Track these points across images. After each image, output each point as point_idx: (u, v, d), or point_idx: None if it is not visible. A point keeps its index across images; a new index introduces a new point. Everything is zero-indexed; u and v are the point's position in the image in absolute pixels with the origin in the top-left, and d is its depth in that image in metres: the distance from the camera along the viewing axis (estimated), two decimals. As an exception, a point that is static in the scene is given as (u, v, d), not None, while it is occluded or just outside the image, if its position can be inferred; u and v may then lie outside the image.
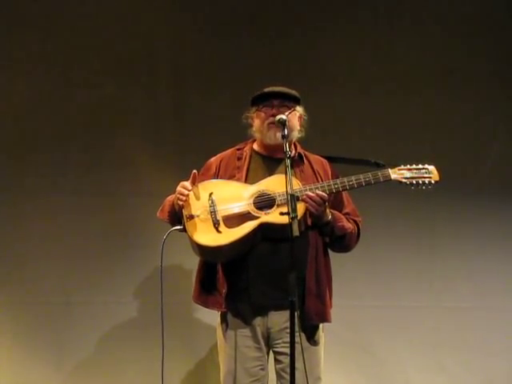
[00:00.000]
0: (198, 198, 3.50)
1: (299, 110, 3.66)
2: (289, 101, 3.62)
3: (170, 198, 3.62)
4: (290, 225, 3.14)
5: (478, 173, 4.94)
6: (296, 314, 3.16)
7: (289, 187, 3.23)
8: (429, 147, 4.85)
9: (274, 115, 3.55)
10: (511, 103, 4.99)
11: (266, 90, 3.65)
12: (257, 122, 3.65)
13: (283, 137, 3.39)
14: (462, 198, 4.87)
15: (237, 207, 3.47)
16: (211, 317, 3.79)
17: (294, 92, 3.66)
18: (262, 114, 3.62)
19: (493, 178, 4.94)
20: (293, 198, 3.21)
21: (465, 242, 4.92)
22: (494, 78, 5.01)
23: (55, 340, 4.70)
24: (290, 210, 3.17)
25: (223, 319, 3.60)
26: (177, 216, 3.56)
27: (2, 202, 4.74)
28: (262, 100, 3.63)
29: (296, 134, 3.66)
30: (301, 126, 3.68)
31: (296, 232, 3.13)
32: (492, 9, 5.02)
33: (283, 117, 3.47)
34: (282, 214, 3.27)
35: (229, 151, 3.74)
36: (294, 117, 3.63)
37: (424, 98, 4.94)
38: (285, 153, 3.33)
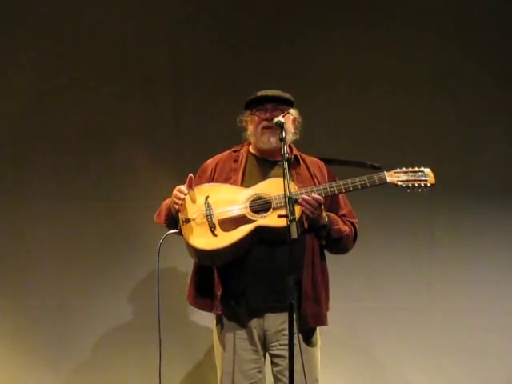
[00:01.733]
0: (194, 201, 3.51)
1: (293, 112, 3.66)
2: (282, 104, 3.62)
3: (167, 202, 3.62)
4: (288, 227, 3.14)
5: (477, 173, 4.90)
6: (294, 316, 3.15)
7: (287, 189, 3.23)
8: (427, 148, 4.83)
9: (267, 119, 3.57)
10: (510, 103, 4.97)
11: (259, 93, 3.65)
12: (251, 126, 3.66)
13: (281, 139, 3.39)
14: (461, 199, 4.84)
15: (233, 211, 3.48)
16: (208, 319, 3.80)
17: (287, 95, 3.66)
18: (256, 118, 3.62)
19: (492, 178, 4.92)
20: (291, 201, 3.21)
21: (464, 243, 4.89)
22: (493, 77, 4.97)
23: (53, 343, 4.73)
24: (289, 213, 3.17)
25: (218, 321, 3.61)
26: (173, 220, 3.57)
27: (1, 207, 4.77)
28: (256, 104, 3.63)
29: (291, 137, 3.65)
30: (295, 128, 3.68)
31: (294, 234, 3.12)
32: (491, 10, 5.00)
33: (281, 119, 3.49)
34: (280, 216, 3.28)
35: (225, 153, 3.74)
36: (288, 120, 3.62)
37: (423, 99, 4.92)
38: (283, 155, 3.34)
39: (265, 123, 3.58)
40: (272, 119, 3.52)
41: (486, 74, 4.96)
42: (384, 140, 4.86)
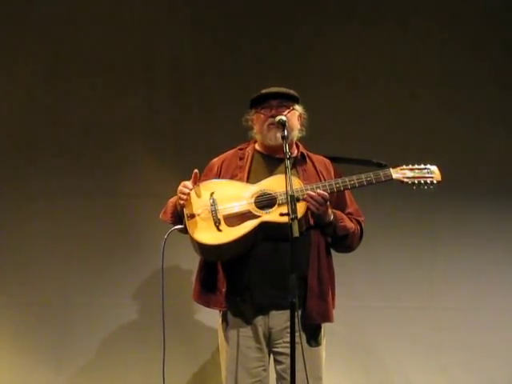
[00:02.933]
0: (199, 197, 3.51)
1: (298, 108, 3.66)
2: (287, 100, 3.62)
3: (173, 199, 3.62)
4: (290, 226, 3.14)
5: (479, 173, 4.94)
6: (296, 314, 3.16)
7: (289, 188, 3.23)
8: (429, 148, 4.85)
9: (273, 116, 3.56)
10: (511, 103, 4.99)
11: (264, 91, 3.64)
12: (257, 124, 3.65)
13: (283, 138, 3.40)
14: (463, 198, 4.87)
15: (238, 206, 3.48)
16: (212, 318, 3.79)
17: (292, 91, 3.65)
18: (262, 116, 3.62)
19: (493, 178, 4.94)
20: (293, 199, 3.21)
21: (465, 242, 4.91)
22: (493, 78, 5.01)
23: (55, 342, 4.71)
24: (290, 211, 3.17)
25: (224, 319, 3.60)
26: (179, 217, 3.56)
27: (3, 204, 4.75)
28: (261, 102, 3.63)
29: (296, 134, 3.66)
30: (301, 125, 3.68)
31: (296, 233, 3.12)
32: (491, 10, 5.03)
33: (283, 117, 3.49)
34: (281, 214, 3.28)
35: (231, 151, 3.74)
36: (294, 116, 3.62)
37: (424, 99, 4.94)
38: (285, 153, 3.34)
39: (271, 120, 3.58)
40: (277, 115, 3.52)
41: (487, 73, 4.99)
42: (385, 138, 4.88)
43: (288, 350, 3.37)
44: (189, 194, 3.49)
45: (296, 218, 3.16)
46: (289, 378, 3.38)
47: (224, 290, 3.52)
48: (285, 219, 3.24)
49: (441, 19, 4.99)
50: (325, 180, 3.59)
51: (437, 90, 4.96)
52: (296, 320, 3.16)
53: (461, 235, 4.91)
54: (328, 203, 3.47)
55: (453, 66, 4.97)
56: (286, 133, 3.41)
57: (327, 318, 3.58)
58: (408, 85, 4.95)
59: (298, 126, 3.66)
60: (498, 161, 4.97)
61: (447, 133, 4.94)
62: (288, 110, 3.59)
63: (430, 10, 4.99)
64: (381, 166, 3.62)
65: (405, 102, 4.94)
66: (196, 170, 3.53)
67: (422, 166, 3.60)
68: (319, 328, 3.60)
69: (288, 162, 3.30)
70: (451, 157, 4.85)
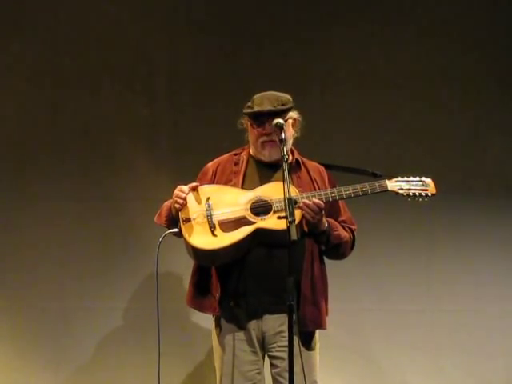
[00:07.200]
0: (195, 201, 3.52)
1: (292, 115, 3.61)
2: (280, 115, 3.53)
3: (168, 202, 3.62)
4: (288, 228, 3.14)
5: (477, 175, 4.92)
6: (294, 318, 3.15)
7: (287, 191, 3.22)
8: (428, 150, 4.85)
9: (266, 134, 3.54)
10: (510, 105, 4.97)
11: (257, 108, 3.55)
12: (251, 136, 3.63)
13: (281, 141, 3.38)
14: (461, 200, 4.85)
15: (233, 212, 3.48)
16: (207, 321, 3.79)
17: (284, 104, 3.56)
18: (255, 132, 3.59)
19: (492, 180, 4.93)
20: (291, 202, 3.21)
21: (463, 245, 4.90)
22: (493, 79, 4.99)
23: (53, 345, 4.73)
24: (288, 214, 3.17)
25: (217, 323, 3.61)
26: (174, 221, 3.57)
27: (1, 208, 4.76)
28: (253, 118, 3.58)
29: (291, 142, 3.63)
30: (295, 131, 3.64)
31: (294, 236, 3.11)
32: (492, 10, 5.01)
33: (280, 121, 3.46)
34: (279, 217, 3.29)
35: (226, 156, 3.74)
36: (288, 127, 3.56)
37: (423, 102, 4.93)
38: (282, 156, 3.33)
39: (264, 138, 3.56)
40: (271, 134, 3.51)
41: (485, 75, 4.98)
42: (383, 143, 4.87)
43: (283, 354, 3.44)
44: (185, 198, 3.49)
45: (294, 220, 3.16)
46: (284, 381, 3.42)
47: (218, 294, 3.53)
48: (280, 226, 3.27)
49: (440, 22, 4.96)
50: (319, 187, 3.59)
51: (435, 93, 4.94)
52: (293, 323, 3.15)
53: (459, 237, 4.90)
54: (323, 212, 3.47)
55: (452, 68, 4.95)
56: (283, 136, 3.39)
57: (320, 325, 3.59)
58: (407, 89, 4.92)
59: (293, 134, 3.64)
60: (496, 162, 4.95)
61: (445, 133, 4.92)
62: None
63: (431, 13, 4.96)
64: (376, 177, 3.63)
65: (403, 106, 4.92)
66: (198, 184, 3.55)
67: (418, 179, 3.60)
68: (312, 333, 3.61)
69: (286, 165, 3.29)
70: (449, 157, 4.86)
